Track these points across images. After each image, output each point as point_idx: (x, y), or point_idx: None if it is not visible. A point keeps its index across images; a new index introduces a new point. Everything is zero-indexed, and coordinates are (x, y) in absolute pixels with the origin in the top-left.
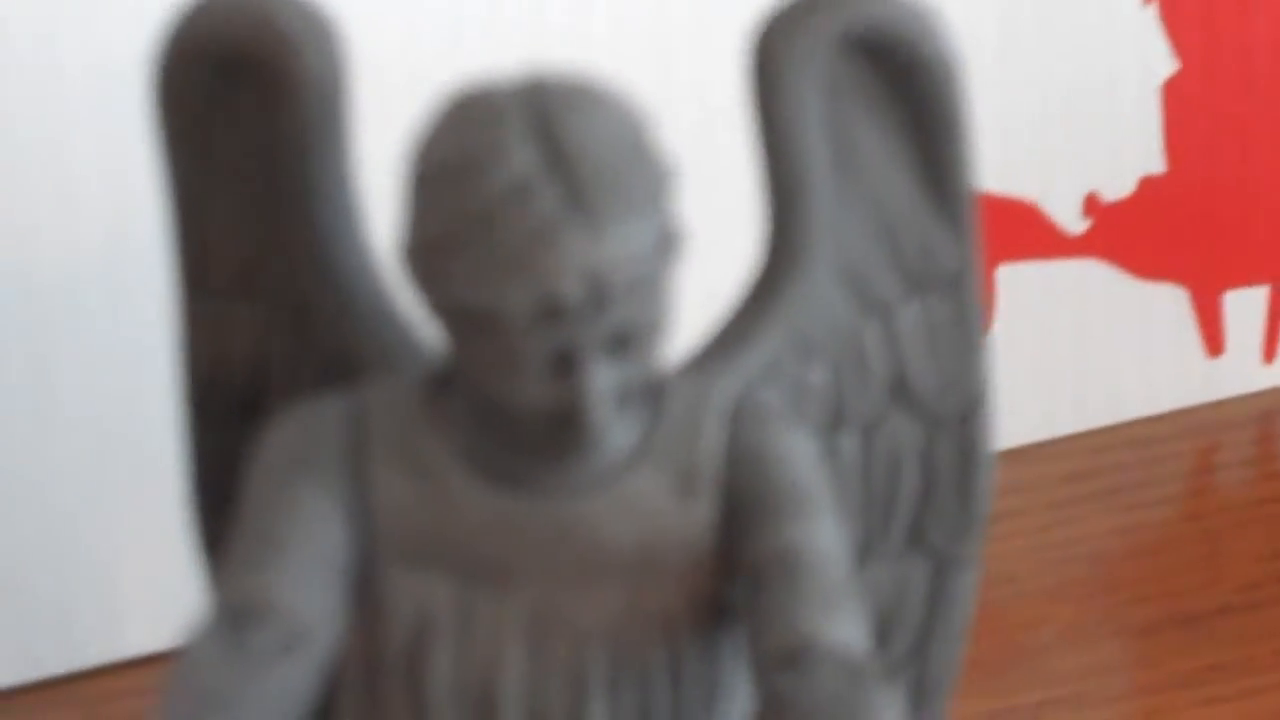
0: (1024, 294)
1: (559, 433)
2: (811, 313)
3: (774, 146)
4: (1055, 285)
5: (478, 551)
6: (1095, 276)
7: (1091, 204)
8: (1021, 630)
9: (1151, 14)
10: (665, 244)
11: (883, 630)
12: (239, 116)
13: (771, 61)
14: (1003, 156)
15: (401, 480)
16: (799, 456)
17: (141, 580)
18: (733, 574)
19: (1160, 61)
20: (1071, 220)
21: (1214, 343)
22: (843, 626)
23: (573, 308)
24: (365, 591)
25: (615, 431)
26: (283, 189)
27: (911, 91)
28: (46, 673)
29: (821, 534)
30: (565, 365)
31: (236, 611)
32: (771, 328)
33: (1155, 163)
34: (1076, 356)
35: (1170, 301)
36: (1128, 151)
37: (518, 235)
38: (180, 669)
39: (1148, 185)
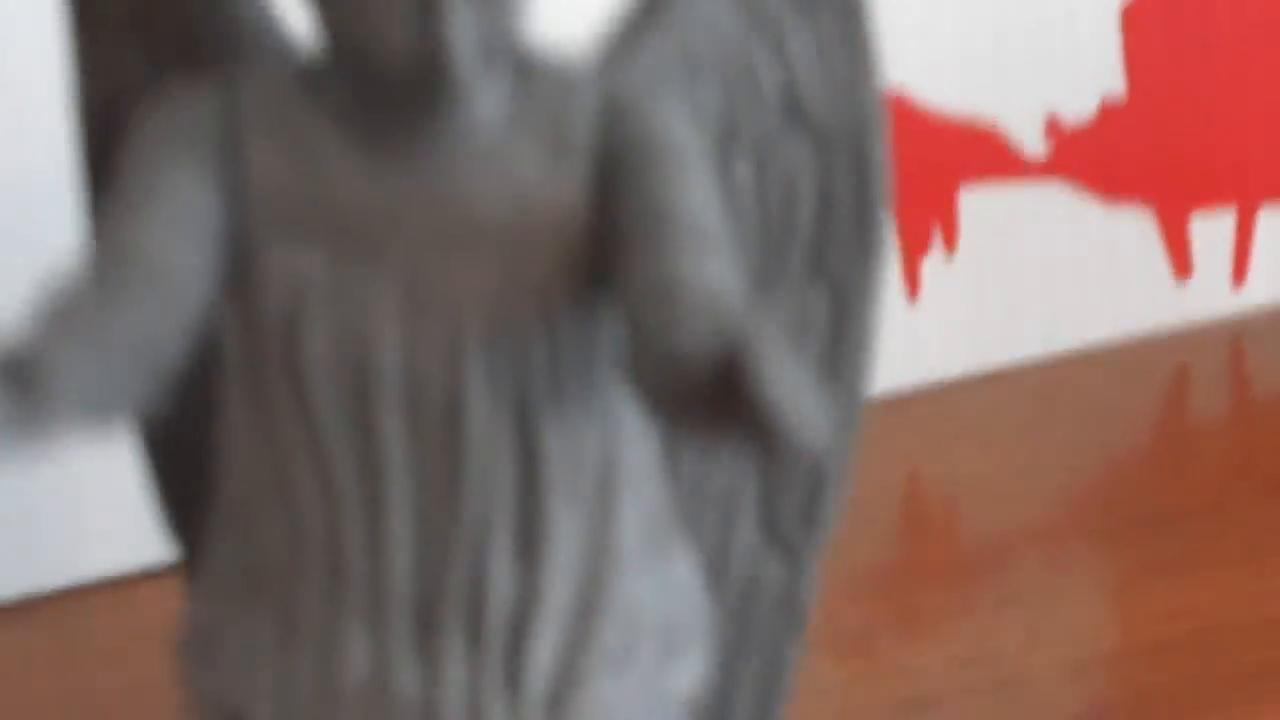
0: (988, 218)
1: (423, 84)
2: (698, 28)
3: None
4: (1019, 210)
5: (351, 222)
6: (1059, 200)
7: (1053, 127)
8: (983, 532)
9: None
10: None
11: None
12: None
13: None
14: (962, 77)
15: (275, 152)
16: (670, 119)
17: (104, 504)
18: (606, 238)
19: None
20: (1033, 142)
21: (1182, 266)
22: (714, 272)
23: None
24: (241, 269)
25: (485, 101)
26: None
27: None
28: (6, 593)
29: (692, 189)
30: (426, 5)
31: (104, 257)
32: (657, 38)
33: (1116, 83)
34: (1043, 281)
35: (1137, 225)
36: (1088, 72)
37: None
38: (47, 305)
39: (1109, 108)
